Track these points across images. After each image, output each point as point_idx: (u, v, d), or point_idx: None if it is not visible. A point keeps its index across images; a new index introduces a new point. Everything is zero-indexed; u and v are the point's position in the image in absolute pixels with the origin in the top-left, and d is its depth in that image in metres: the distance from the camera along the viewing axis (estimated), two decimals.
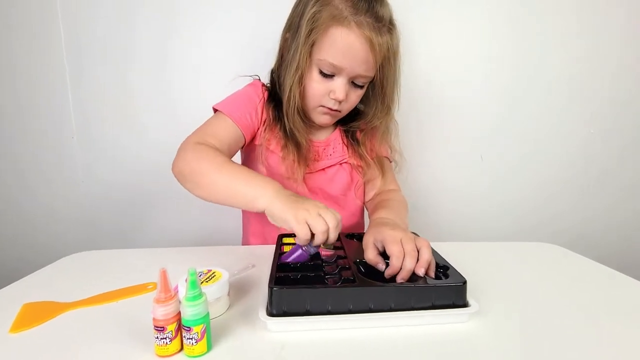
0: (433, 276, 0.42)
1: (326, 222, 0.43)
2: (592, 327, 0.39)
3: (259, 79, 0.69)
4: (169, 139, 0.93)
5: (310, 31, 0.56)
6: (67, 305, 0.44)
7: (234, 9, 0.89)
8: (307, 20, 0.56)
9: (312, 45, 0.57)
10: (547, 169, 1.03)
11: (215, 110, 0.63)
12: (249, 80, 0.69)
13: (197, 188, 0.54)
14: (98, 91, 0.92)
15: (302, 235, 0.43)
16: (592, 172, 1.03)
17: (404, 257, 0.41)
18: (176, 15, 0.89)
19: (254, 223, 0.71)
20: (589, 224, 1.06)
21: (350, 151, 0.69)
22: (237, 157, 0.70)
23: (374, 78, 0.62)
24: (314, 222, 0.43)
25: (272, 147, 0.64)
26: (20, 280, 0.51)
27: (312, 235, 0.44)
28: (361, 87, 0.62)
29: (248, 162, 0.70)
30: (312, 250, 0.46)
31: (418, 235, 0.46)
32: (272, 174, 0.64)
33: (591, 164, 1.03)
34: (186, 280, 0.34)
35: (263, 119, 0.65)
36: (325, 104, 0.62)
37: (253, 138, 0.66)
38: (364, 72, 0.59)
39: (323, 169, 0.68)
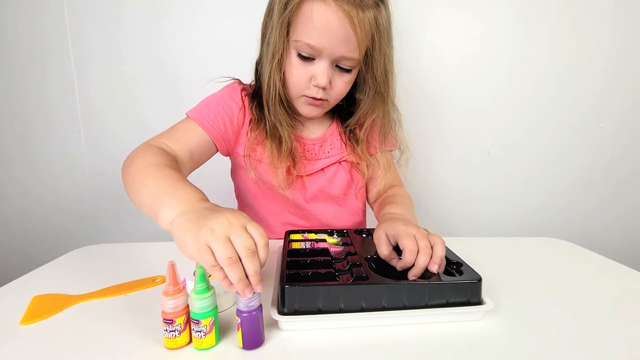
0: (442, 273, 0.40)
1: (234, 249, 0.31)
2: (608, 323, 0.38)
3: (239, 82, 0.63)
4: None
5: (284, 8, 0.50)
6: (76, 297, 0.43)
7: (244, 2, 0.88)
8: None
9: (288, 25, 0.51)
10: (554, 164, 1.01)
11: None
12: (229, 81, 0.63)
13: (127, 190, 0.45)
14: (104, 87, 0.92)
15: (205, 264, 0.32)
16: (598, 167, 1.01)
17: (417, 253, 0.40)
18: (183, 11, 0.89)
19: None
20: (594, 219, 1.04)
21: (349, 148, 0.64)
22: (225, 167, 0.68)
23: (364, 61, 0.55)
24: (217, 247, 0.31)
25: (257, 156, 0.59)
26: (30, 273, 0.51)
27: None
28: (348, 71, 0.55)
29: (236, 170, 0.66)
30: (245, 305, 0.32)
31: (430, 233, 0.45)
32: (262, 183, 0.60)
33: (598, 158, 1.01)
34: (194, 274, 0.34)
35: (244, 126, 0.59)
36: (307, 93, 0.55)
37: (234, 147, 0.60)
38: (346, 53, 0.51)
39: (322, 169, 0.63)
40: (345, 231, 0.54)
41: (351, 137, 0.65)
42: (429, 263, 0.39)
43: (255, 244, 0.33)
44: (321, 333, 0.36)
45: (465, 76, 0.95)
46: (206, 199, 0.39)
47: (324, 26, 0.49)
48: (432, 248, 0.41)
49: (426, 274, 0.39)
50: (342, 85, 0.56)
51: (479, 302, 0.38)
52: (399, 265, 0.41)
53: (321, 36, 0.50)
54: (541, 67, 0.94)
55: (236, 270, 0.31)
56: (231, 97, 0.60)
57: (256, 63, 0.61)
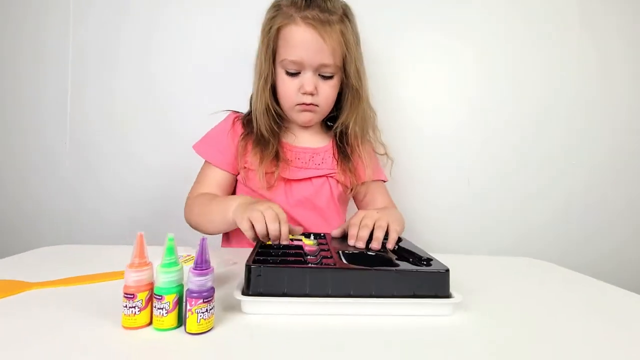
0: (390, 248, 0.48)
1: (264, 216, 0.48)
2: (574, 325, 0.38)
3: (234, 112, 0.73)
4: (159, 151, 0.96)
5: (267, 35, 0.63)
6: (34, 284, 0.41)
7: (236, 20, 0.94)
8: (263, 28, 0.64)
9: (274, 51, 0.63)
10: (535, 199, 1.05)
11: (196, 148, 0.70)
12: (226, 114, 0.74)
13: (204, 229, 0.63)
14: (96, 100, 0.95)
15: (243, 228, 0.50)
16: (574, 198, 1.05)
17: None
18: (178, 29, 0.95)
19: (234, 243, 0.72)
20: (572, 255, 1.06)
21: (339, 167, 0.70)
22: None
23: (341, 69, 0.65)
24: (252, 214, 0.49)
25: (248, 165, 0.66)
26: None
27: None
28: (330, 77, 0.65)
29: (239, 186, 0.72)
30: None
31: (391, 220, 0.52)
32: (254, 189, 0.67)
33: (573, 191, 1.05)
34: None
35: (237, 144, 0.68)
36: (299, 101, 0.65)
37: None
38: (323, 61, 0.62)
39: (309, 179, 0.69)
40: (322, 234, 0.55)
41: (344, 158, 0.71)
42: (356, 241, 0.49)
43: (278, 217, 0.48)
44: (287, 320, 0.35)
45: (446, 109, 1.00)
46: (250, 197, 0.58)
47: (300, 43, 0.61)
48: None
49: (392, 263, 0.40)
50: (327, 89, 0.65)
51: (447, 296, 0.39)
52: (348, 239, 0.51)
53: (299, 51, 0.61)
54: (520, 102, 1.01)
55: (261, 226, 0.48)
56: (226, 122, 0.71)
57: (250, 97, 0.71)
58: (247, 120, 0.69)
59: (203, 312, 0.32)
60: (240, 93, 0.77)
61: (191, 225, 0.65)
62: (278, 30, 0.62)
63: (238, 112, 0.73)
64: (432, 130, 1.01)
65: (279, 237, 0.48)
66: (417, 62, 0.99)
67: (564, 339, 0.35)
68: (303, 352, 0.30)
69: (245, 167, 0.66)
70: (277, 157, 0.65)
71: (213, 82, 0.96)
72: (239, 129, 0.69)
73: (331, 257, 0.42)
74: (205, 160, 0.69)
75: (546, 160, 1.04)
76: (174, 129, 0.96)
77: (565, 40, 1.02)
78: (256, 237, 0.49)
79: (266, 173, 0.64)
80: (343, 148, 0.71)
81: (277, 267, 0.36)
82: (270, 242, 0.48)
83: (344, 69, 0.65)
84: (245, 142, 0.67)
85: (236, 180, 0.70)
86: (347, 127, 0.70)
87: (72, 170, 0.96)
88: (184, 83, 0.96)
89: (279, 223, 0.48)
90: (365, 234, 0.49)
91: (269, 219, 0.47)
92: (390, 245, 0.48)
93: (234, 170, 0.68)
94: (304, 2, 0.61)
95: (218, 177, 0.68)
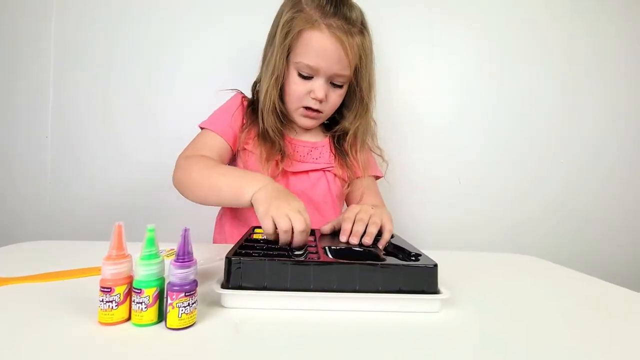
0: (381, 247, 0.46)
1: (291, 223, 0.42)
2: (563, 320, 0.38)
3: (240, 92, 0.72)
4: (146, 148, 0.93)
5: (285, 36, 0.61)
6: (7, 279, 0.39)
7: (222, 25, 0.93)
8: (282, 27, 0.61)
9: (289, 49, 0.62)
10: (522, 193, 1.06)
11: (202, 128, 0.67)
12: (232, 93, 0.73)
13: (191, 193, 0.58)
14: (79, 96, 0.92)
15: (265, 228, 0.43)
16: (564, 197, 1.06)
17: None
18: (165, 28, 0.93)
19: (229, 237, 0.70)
20: (564, 250, 1.08)
21: (336, 161, 0.71)
22: None
23: (352, 79, 0.65)
24: (279, 219, 0.42)
25: (249, 148, 0.66)
26: None
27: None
28: (340, 86, 0.65)
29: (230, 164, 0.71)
30: None
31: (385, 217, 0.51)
32: None
33: (563, 190, 1.06)
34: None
35: (241, 124, 0.68)
36: (306, 104, 0.65)
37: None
38: (339, 71, 0.62)
39: (307, 172, 0.69)
40: (312, 230, 0.54)
41: (340, 150, 0.71)
42: (349, 236, 0.47)
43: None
44: (269, 314, 0.34)
45: (437, 109, 1.01)
46: (274, 180, 0.52)
47: (321, 50, 0.60)
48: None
49: (379, 258, 0.40)
50: (335, 98, 0.66)
51: (435, 292, 0.38)
52: (340, 235, 0.48)
53: (318, 58, 0.61)
54: (511, 101, 1.02)
55: (287, 236, 0.42)
56: (234, 102, 0.70)
57: (254, 83, 0.71)
58: (251, 109, 0.68)
59: (185, 307, 0.31)
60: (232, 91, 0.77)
61: (177, 187, 0.59)
62: (299, 32, 0.60)
63: (243, 94, 0.72)
64: (424, 130, 1.02)
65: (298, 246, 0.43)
66: (410, 62, 1.00)
67: (553, 334, 0.35)
68: (284, 348, 0.29)
69: (245, 149, 0.66)
70: (281, 152, 0.65)
71: (203, 79, 0.94)
72: (247, 112, 0.69)
73: (316, 252, 0.41)
74: (205, 127, 0.66)
75: (537, 159, 1.05)
76: (161, 124, 0.94)
77: (557, 40, 1.03)
78: (275, 238, 0.44)
79: (265, 163, 0.64)
80: (340, 146, 0.72)
81: (257, 260, 0.35)
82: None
83: (358, 80, 0.65)
84: (250, 129, 0.67)
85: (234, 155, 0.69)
86: (346, 133, 0.71)
87: (53, 165, 0.93)
88: (174, 79, 0.94)
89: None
90: (360, 229, 0.47)
91: (297, 228, 0.42)
92: (382, 245, 0.47)
93: (234, 144, 0.67)
94: (332, 8, 0.59)
95: (218, 145, 0.64)
